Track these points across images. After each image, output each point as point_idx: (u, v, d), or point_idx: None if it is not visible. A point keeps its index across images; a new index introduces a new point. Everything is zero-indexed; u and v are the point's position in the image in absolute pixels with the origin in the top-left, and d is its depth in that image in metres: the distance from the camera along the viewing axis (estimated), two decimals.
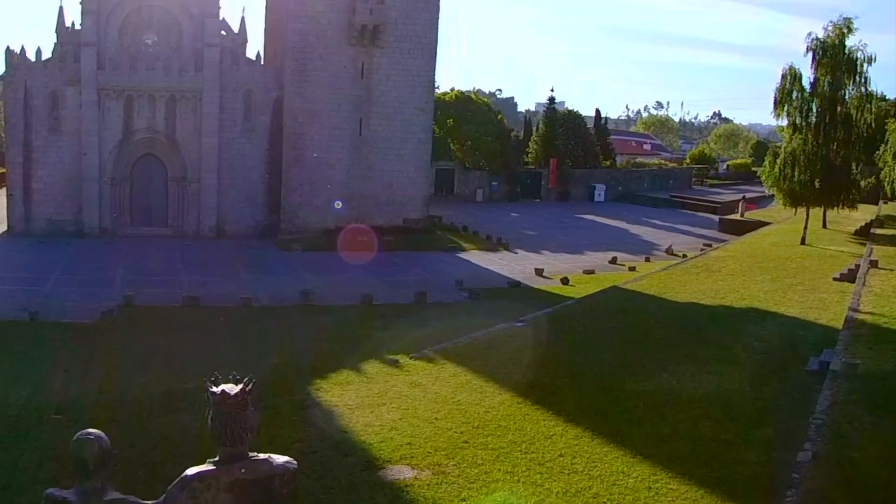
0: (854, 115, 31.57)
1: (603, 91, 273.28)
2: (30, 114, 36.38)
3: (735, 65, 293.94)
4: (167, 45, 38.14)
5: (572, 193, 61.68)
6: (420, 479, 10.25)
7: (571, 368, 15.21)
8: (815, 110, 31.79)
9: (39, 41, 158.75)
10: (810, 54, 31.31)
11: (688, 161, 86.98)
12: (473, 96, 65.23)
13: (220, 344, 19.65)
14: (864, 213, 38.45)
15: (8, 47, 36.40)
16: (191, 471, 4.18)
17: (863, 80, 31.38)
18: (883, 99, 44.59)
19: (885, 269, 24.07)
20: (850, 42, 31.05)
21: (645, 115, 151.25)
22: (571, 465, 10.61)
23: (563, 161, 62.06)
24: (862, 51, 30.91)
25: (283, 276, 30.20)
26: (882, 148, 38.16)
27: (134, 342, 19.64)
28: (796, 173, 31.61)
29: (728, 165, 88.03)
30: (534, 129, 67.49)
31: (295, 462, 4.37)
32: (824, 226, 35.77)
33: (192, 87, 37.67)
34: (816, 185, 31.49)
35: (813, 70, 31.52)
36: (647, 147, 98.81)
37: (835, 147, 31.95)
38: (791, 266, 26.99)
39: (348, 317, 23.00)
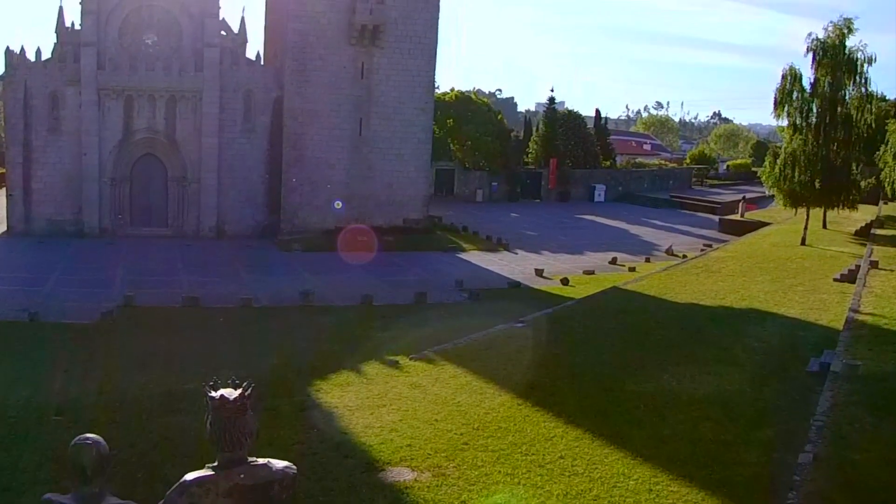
0: (854, 116, 31.55)
1: (603, 91, 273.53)
2: (30, 114, 36.36)
3: (735, 65, 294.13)
4: (167, 46, 38.12)
5: (572, 194, 61.66)
6: (420, 481, 10.24)
7: (572, 369, 15.20)
8: (815, 111, 31.77)
9: (39, 41, 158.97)
10: (810, 55, 31.31)
11: (688, 161, 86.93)
12: (473, 96, 65.21)
13: (219, 344, 19.65)
14: (864, 214, 38.45)
15: (8, 47, 36.43)
16: (189, 476, 4.16)
17: (863, 81, 31.39)
18: (883, 99, 44.55)
19: (885, 269, 24.05)
20: (851, 42, 31.09)
21: (645, 115, 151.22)
22: (572, 467, 10.59)
23: (563, 161, 62.04)
24: (862, 51, 30.94)
25: (282, 276, 30.19)
26: (882, 148, 38.12)
27: (134, 342, 19.62)
28: (796, 174, 31.60)
29: (728, 166, 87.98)
30: (534, 129, 67.46)
31: (294, 467, 4.34)
32: (824, 226, 35.75)
33: (192, 87, 37.65)
34: (817, 185, 31.48)
35: (813, 70, 31.51)
36: (647, 147, 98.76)
37: (835, 147, 31.94)
38: (791, 267, 26.98)
39: (348, 317, 22.99)
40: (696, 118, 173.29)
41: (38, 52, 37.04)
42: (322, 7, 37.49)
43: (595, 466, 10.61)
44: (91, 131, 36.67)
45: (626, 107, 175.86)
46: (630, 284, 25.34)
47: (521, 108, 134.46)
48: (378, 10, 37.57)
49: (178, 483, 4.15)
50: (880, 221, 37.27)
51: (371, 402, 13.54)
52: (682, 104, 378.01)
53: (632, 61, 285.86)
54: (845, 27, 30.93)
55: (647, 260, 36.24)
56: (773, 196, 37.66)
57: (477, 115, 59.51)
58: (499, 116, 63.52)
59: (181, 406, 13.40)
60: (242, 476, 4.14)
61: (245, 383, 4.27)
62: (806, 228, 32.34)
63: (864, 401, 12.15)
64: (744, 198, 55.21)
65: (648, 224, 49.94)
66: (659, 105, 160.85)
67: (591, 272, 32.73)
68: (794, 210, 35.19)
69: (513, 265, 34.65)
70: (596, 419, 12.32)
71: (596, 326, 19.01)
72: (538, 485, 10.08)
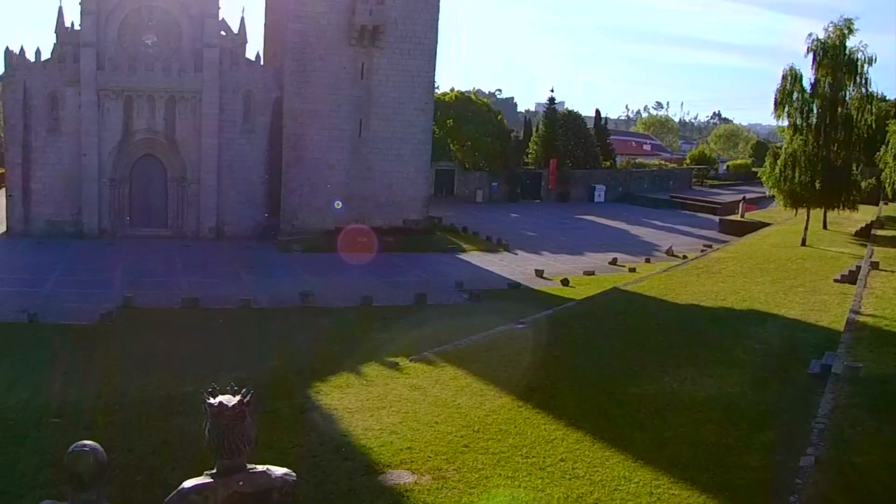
0: (855, 116, 31.54)
1: (603, 91, 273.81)
2: (29, 114, 36.32)
3: (735, 65, 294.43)
4: (167, 46, 38.08)
5: (572, 194, 61.64)
6: (420, 483, 10.20)
7: (572, 371, 15.16)
8: (815, 111, 31.76)
9: (39, 41, 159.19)
10: (811, 55, 31.31)
11: (688, 161, 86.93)
12: (473, 96, 65.18)
13: (219, 346, 19.62)
14: (864, 215, 38.45)
15: (7, 48, 36.38)
16: (188, 483, 4.12)
17: (863, 81, 31.38)
18: (883, 100, 44.55)
19: (886, 270, 24.01)
20: (851, 43, 31.08)
21: (645, 115, 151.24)
22: (573, 470, 10.55)
23: (563, 162, 62.02)
24: (862, 52, 30.93)
25: (282, 277, 30.15)
26: (882, 149, 38.10)
27: (133, 344, 19.57)
28: (797, 174, 31.58)
29: (728, 166, 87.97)
30: (534, 129, 67.45)
31: (294, 474, 4.31)
32: (825, 227, 35.73)
33: (191, 88, 37.61)
34: (817, 186, 31.46)
35: (813, 71, 31.50)
36: (646, 147, 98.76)
37: (835, 148, 31.92)
38: (792, 267, 26.94)
39: (348, 318, 22.95)
40: (696, 118, 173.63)
41: (38, 53, 37.01)
42: (322, 7, 37.45)
43: (596, 469, 10.57)
44: (90, 132, 36.63)
45: (626, 107, 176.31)
46: (630, 285, 25.30)
47: (521, 108, 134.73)
48: (378, 11, 37.53)
49: (175, 491, 4.11)
50: (881, 222, 37.24)
51: (371, 404, 13.50)
52: (682, 104, 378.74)
53: (632, 61, 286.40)
54: (845, 28, 30.91)
55: (648, 261, 36.22)
56: (773, 196, 37.64)
57: (477, 116, 59.49)
58: (499, 117, 63.51)
59: (180, 409, 13.34)
60: (241, 483, 4.10)
61: (244, 390, 4.23)
62: (806, 229, 32.31)
63: (866, 403, 12.12)
64: (744, 198, 55.19)
65: (648, 224, 49.92)
66: (659, 105, 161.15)
67: (592, 273, 32.71)
68: (794, 211, 35.18)
69: (513, 266, 34.61)
70: (597, 421, 12.28)
71: (596, 328, 18.97)
72: (539, 488, 10.04)
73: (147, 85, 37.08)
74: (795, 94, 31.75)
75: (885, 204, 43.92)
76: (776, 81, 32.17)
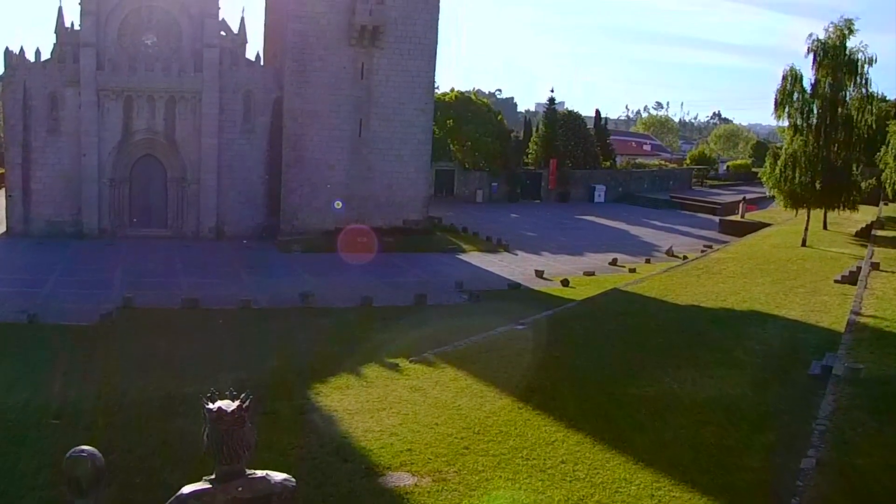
0: (855, 117, 31.54)
1: (603, 91, 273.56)
2: (29, 115, 36.29)
3: (735, 65, 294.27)
4: (167, 46, 38.05)
5: (572, 194, 61.61)
6: (420, 486, 10.18)
7: (572, 372, 15.14)
8: (815, 111, 31.76)
9: (39, 42, 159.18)
10: (811, 55, 31.33)
11: (688, 162, 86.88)
12: (473, 97, 65.15)
13: (219, 346, 19.59)
14: (864, 215, 38.43)
15: (7, 48, 36.35)
16: (186, 489, 4.09)
17: (864, 82, 31.40)
18: (884, 100, 44.52)
19: (886, 271, 23.98)
20: (851, 43, 31.10)
21: (645, 115, 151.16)
22: (573, 472, 10.53)
23: (563, 162, 61.98)
24: (863, 52, 30.94)
25: (282, 277, 30.12)
26: (883, 149, 38.11)
27: (133, 344, 19.54)
28: (797, 175, 31.57)
29: (728, 166, 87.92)
30: (534, 129, 67.42)
31: (294, 480, 4.28)
32: (825, 227, 35.71)
33: (191, 88, 37.59)
34: (817, 186, 31.45)
35: (814, 71, 31.50)
36: (646, 147, 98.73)
37: (835, 148, 31.92)
38: (792, 268, 26.92)
39: (348, 319, 22.92)
40: (696, 118, 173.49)
41: (38, 53, 36.98)
42: (322, 7, 37.43)
43: (596, 471, 10.55)
44: (90, 132, 36.60)
45: (626, 107, 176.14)
46: (630, 286, 25.28)
47: (521, 108, 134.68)
48: (378, 11, 37.51)
49: (174, 497, 4.08)
50: (881, 222, 37.21)
51: (371, 406, 13.48)
52: (682, 104, 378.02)
53: (632, 61, 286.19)
54: (846, 28, 30.91)
55: (648, 261, 36.19)
56: (773, 197, 37.62)
57: (477, 116, 59.46)
58: (499, 117, 63.47)
59: (180, 410, 13.32)
60: (240, 489, 4.08)
61: (243, 394, 4.21)
62: (806, 229, 32.30)
63: (867, 404, 12.09)
64: (744, 198, 55.16)
65: (648, 225, 49.89)
66: (659, 105, 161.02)
67: (592, 273, 32.68)
68: (794, 211, 35.19)
69: (513, 266, 34.58)
70: (597, 423, 12.26)
71: (596, 328, 18.95)
72: (539, 490, 10.02)
73: (147, 85, 37.05)
74: (796, 95, 31.75)
75: (886, 204, 43.90)
76: (776, 81, 32.25)
